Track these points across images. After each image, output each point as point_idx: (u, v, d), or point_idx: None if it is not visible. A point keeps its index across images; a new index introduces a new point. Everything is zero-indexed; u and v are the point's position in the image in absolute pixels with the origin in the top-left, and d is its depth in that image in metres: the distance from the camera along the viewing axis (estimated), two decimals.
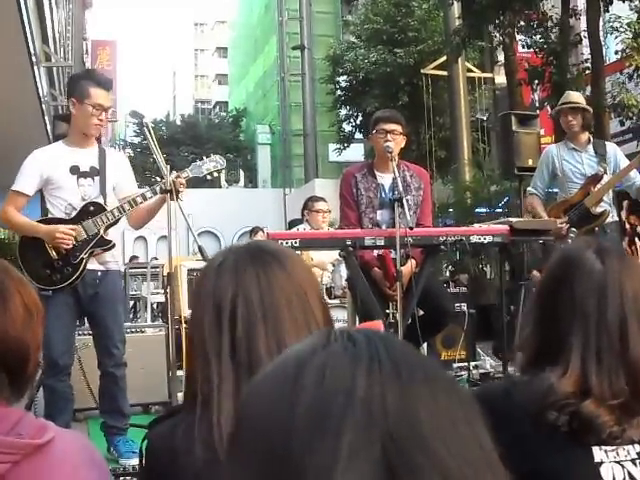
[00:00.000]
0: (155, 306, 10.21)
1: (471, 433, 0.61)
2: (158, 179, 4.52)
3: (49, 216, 4.42)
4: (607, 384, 1.51)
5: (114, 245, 4.52)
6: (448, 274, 12.79)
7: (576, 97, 6.10)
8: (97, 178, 4.44)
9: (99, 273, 4.43)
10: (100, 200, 4.42)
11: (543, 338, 1.65)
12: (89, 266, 4.37)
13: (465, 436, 0.60)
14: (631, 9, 11.07)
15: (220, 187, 27.23)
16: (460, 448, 0.59)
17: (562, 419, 1.47)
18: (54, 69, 13.31)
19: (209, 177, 4.58)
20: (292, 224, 9.23)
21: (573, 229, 5.57)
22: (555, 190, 6.19)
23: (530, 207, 6.08)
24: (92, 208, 4.39)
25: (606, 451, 1.48)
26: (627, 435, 1.47)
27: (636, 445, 1.49)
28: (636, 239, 8.12)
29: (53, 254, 4.29)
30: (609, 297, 1.57)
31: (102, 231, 4.38)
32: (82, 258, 4.33)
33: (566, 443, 1.48)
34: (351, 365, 0.61)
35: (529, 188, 6.22)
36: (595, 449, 1.48)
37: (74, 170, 4.39)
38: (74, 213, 4.37)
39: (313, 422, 0.58)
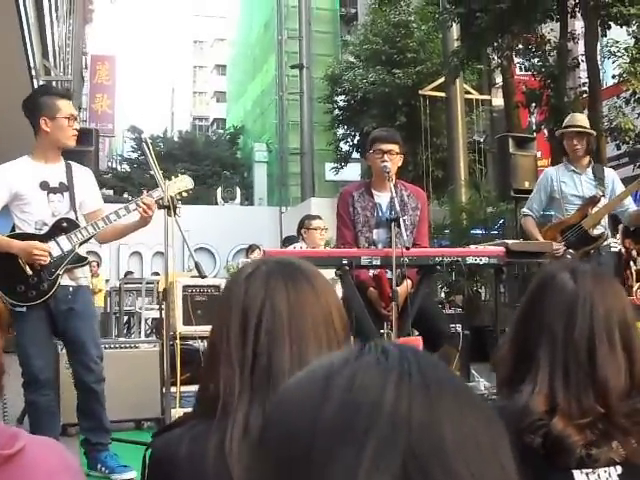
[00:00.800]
0: (149, 322, 10.18)
1: (493, 452, 0.61)
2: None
3: (17, 231, 4.33)
4: (575, 401, 1.51)
5: (89, 262, 4.54)
6: (443, 295, 12.80)
7: (582, 120, 6.00)
8: (66, 194, 4.40)
9: (71, 289, 4.38)
10: (71, 216, 4.39)
11: (516, 357, 1.67)
12: (61, 282, 4.32)
13: (487, 455, 0.60)
14: (629, 34, 11.17)
15: (216, 204, 27.14)
16: (481, 468, 0.58)
17: (537, 441, 1.47)
18: (53, 83, 13.33)
19: (178, 197, 4.55)
20: (286, 241, 9.22)
21: (570, 251, 5.55)
22: (551, 213, 6.17)
23: (524, 228, 6.06)
24: (65, 224, 4.35)
25: (587, 474, 1.48)
26: (608, 457, 1.47)
27: (617, 467, 1.49)
28: (631, 262, 8.12)
29: (28, 270, 4.21)
30: (578, 315, 1.58)
31: (77, 247, 4.36)
32: (57, 274, 4.28)
33: (546, 467, 1.47)
34: (381, 377, 0.61)
35: (523, 209, 6.20)
36: (576, 473, 1.48)
37: (44, 186, 4.34)
38: (45, 229, 4.31)
39: (337, 430, 0.59)
